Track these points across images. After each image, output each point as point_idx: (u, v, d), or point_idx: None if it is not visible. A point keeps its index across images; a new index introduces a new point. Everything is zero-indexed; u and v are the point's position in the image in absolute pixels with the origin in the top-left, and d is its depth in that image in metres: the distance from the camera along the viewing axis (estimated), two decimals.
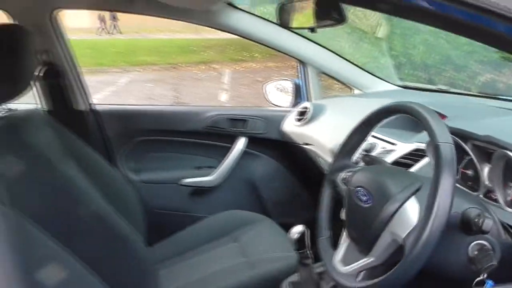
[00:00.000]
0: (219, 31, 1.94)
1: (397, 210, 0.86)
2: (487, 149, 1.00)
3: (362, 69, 1.98)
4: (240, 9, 1.82)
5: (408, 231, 0.82)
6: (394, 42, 7.40)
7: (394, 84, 2.01)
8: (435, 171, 0.79)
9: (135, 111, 2.08)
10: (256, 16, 1.91)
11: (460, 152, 1.05)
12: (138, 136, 1.98)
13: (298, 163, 2.05)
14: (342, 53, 2.02)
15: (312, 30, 1.25)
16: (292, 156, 2.04)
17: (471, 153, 1.04)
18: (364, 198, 0.92)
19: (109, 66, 11.43)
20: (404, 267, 0.79)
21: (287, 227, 1.21)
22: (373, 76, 1.98)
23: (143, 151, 2.00)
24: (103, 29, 19.79)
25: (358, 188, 0.94)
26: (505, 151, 0.94)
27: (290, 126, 1.97)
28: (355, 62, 1.99)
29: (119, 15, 15.81)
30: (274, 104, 2.09)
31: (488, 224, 0.80)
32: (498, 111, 1.42)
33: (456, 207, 0.82)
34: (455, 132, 1.04)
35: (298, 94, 2.06)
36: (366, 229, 0.92)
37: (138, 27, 21.55)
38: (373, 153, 1.36)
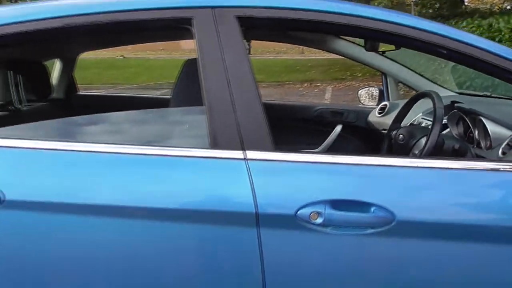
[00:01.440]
0: (323, 52, 2.85)
1: (416, 142, 1.72)
2: (474, 115, 1.82)
3: (428, 79, 2.78)
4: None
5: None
6: None
7: (453, 91, 2.78)
8: (433, 121, 1.64)
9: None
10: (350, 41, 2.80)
11: (461, 120, 1.87)
12: None
13: (378, 143, 2.89)
14: (415, 67, 2.84)
15: (383, 53, 2.12)
16: (373, 138, 2.89)
17: (466, 118, 1.85)
18: (401, 137, 1.78)
19: None
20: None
21: None
22: (436, 85, 2.77)
23: None
24: None
25: (400, 135, 1.81)
26: (480, 117, 1.75)
27: (374, 117, 2.82)
28: (424, 74, 2.79)
29: None
30: (363, 105, 2.97)
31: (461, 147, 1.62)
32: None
33: (448, 143, 1.65)
34: (461, 109, 1.86)
35: (382, 97, 2.91)
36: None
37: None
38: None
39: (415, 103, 1.94)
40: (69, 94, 2.77)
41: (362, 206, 1.29)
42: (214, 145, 1.32)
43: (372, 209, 1.28)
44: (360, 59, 2.74)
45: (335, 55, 2.81)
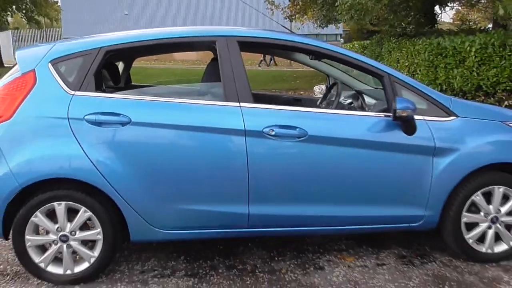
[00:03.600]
0: None
1: (329, 104, 3.31)
2: (362, 94, 3.41)
3: (356, 78, 4.33)
4: None
5: None
6: (439, 73, 9.43)
7: (369, 85, 4.36)
8: (336, 92, 3.23)
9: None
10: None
11: (358, 96, 3.47)
12: None
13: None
14: (347, 70, 4.40)
15: (313, 59, 3.70)
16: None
17: (360, 96, 3.44)
18: (324, 103, 3.36)
19: None
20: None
21: None
22: (360, 82, 4.33)
23: None
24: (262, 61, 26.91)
25: (323, 102, 3.38)
26: (364, 95, 3.35)
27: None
28: (353, 76, 4.37)
29: None
30: (315, 95, 4.55)
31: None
32: None
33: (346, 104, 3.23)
34: (358, 91, 3.46)
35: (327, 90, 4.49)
36: None
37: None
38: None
39: (332, 88, 3.54)
40: (127, 84, 4.30)
41: (293, 128, 2.86)
42: (226, 100, 2.89)
43: (297, 129, 2.85)
44: (312, 66, 4.29)
45: None
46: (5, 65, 26.00)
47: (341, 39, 43.14)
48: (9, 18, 24.71)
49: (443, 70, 9.31)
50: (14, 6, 23.15)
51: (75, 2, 44.35)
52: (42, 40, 43.81)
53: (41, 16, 24.54)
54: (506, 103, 8.58)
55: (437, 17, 15.27)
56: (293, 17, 18.61)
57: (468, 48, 8.79)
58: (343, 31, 41.15)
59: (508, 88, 8.50)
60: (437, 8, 14.19)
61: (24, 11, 23.40)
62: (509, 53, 8.33)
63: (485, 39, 8.63)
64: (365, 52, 19.34)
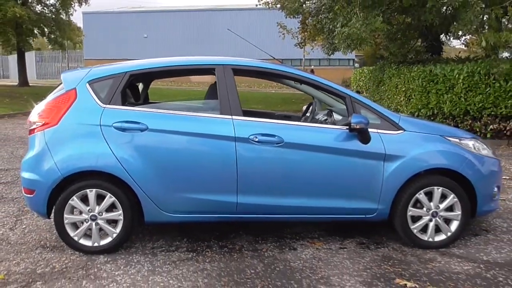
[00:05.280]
0: None
1: (307, 118, 4.14)
2: (332, 111, 4.24)
3: (334, 99, 5.16)
4: None
5: None
6: (431, 98, 10.20)
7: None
8: (311, 110, 4.07)
9: None
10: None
11: (330, 113, 4.30)
12: None
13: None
14: None
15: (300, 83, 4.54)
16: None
17: (331, 113, 4.27)
18: (303, 117, 4.20)
19: None
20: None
21: None
22: (338, 102, 5.15)
23: None
24: None
25: (303, 116, 4.22)
26: (333, 112, 4.18)
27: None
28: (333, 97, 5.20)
29: None
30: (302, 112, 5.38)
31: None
32: None
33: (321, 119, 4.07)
34: (330, 109, 4.29)
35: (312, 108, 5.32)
36: None
37: (252, 83, 27.23)
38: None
39: (310, 106, 4.38)
40: (145, 100, 5.18)
41: (273, 136, 3.69)
42: (222, 113, 3.74)
43: (276, 137, 3.68)
44: (300, 89, 5.12)
45: None
46: (30, 84, 27.43)
47: (356, 64, 44.20)
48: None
49: (434, 96, 10.10)
50: (39, 31, 24.59)
51: (96, 26, 46.39)
52: (64, 60, 45.62)
53: (65, 40, 25.95)
54: (491, 126, 9.34)
55: (444, 44, 15.98)
56: (303, 43, 19.58)
57: (457, 76, 9.59)
58: (356, 56, 42.21)
59: (492, 113, 9.26)
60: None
61: (48, 36, 24.84)
62: (493, 81, 9.12)
63: (472, 67, 9.43)
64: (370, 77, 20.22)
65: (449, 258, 3.71)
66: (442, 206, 3.86)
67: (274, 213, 3.82)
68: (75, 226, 3.73)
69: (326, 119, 4.49)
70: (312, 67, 40.78)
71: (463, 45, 28.57)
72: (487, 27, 10.08)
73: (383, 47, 14.23)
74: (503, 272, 3.46)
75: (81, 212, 3.70)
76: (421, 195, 3.83)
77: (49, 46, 27.51)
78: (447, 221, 3.91)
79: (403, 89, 11.87)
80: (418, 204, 3.86)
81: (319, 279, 3.34)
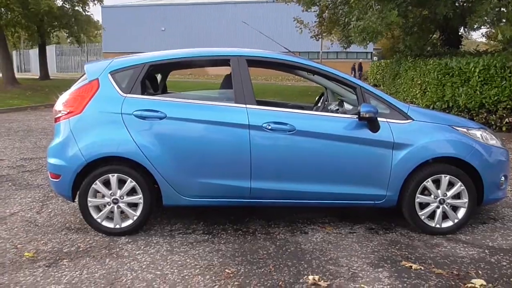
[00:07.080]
0: None
1: (320, 108, 4.29)
2: (344, 101, 4.38)
3: (346, 89, 5.29)
4: None
5: None
6: (446, 91, 10.22)
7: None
8: (324, 98, 4.22)
9: None
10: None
11: (342, 103, 4.44)
12: None
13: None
14: None
15: (313, 75, 4.69)
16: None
17: (343, 102, 4.41)
18: (315, 107, 4.35)
19: None
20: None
21: None
22: (349, 92, 5.29)
23: None
24: None
25: (315, 106, 4.37)
26: (344, 102, 4.32)
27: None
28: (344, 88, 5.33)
29: None
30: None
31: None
32: None
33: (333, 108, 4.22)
34: (342, 99, 4.44)
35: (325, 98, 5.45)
36: None
37: (269, 76, 27.63)
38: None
39: (321, 97, 4.52)
40: (163, 90, 5.38)
41: (285, 124, 3.86)
42: (236, 102, 3.92)
43: (288, 125, 3.85)
44: (312, 80, 5.25)
45: None
46: (51, 78, 27.96)
47: (375, 57, 43.90)
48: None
49: (449, 89, 10.13)
50: (61, 26, 24.94)
51: (115, 19, 46.90)
52: (83, 54, 46.26)
53: (83, 35, 26.30)
54: (507, 119, 9.34)
55: (463, 37, 15.84)
56: (319, 36, 19.62)
57: (473, 69, 9.59)
58: (374, 49, 41.98)
59: (508, 106, 9.26)
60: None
61: (70, 30, 25.18)
62: (509, 74, 9.12)
63: (488, 61, 9.43)
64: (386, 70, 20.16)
65: (455, 244, 3.84)
66: (449, 193, 3.98)
67: (286, 198, 3.99)
68: (98, 209, 3.95)
69: (337, 109, 4.63)
70: (360, 60, 40.76)
71: (484, 38, 28.23)
72: (504, 20, 10.03)
73: (400, 40, 14.19)
74: (507, 257, 3.58)
75: (103, 196, 3.92)
76: (428, 183, 3.95)
77: (68, 40, 27.81)
78: (454, 208, 4.03)
79: (419, 82, 11.90)
80: (426, 191, 3.99)
81: (328, 260, 3.50)
